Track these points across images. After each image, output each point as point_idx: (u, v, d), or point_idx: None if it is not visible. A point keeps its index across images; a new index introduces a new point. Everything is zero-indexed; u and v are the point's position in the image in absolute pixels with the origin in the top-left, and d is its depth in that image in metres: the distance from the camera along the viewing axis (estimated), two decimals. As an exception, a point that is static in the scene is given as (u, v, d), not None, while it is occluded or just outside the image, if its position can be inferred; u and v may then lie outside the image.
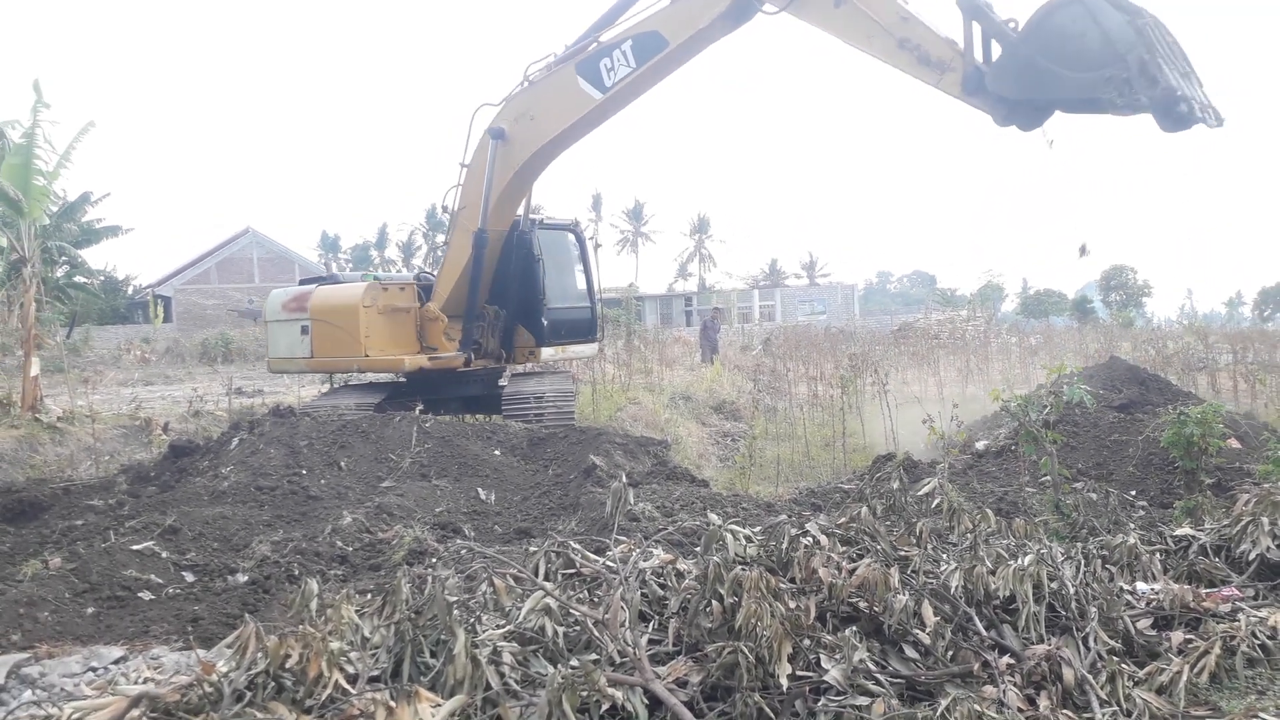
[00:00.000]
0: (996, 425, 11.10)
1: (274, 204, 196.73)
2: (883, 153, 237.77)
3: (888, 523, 4.60)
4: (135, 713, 3.07)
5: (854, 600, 3.75)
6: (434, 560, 5.72)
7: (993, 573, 3.93)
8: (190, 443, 10.52)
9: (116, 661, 4.49)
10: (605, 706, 3.17)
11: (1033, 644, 3.63)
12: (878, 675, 3.36)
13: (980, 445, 10.41)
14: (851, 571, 3.81)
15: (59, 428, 11.85)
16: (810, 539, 4.03)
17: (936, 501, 4.86)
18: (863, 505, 4.45)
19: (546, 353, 12.79)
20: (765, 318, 61.87)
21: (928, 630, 3.59)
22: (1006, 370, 19.08)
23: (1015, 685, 3.32)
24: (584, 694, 3.13)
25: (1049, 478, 6.62)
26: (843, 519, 4.42)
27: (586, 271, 13.72)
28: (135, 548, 6.04)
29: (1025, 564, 3.93)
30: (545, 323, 12.67)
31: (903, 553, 4.17)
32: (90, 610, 5.38)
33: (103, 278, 42.33)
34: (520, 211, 12.24)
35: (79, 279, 34.20)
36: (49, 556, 6.03)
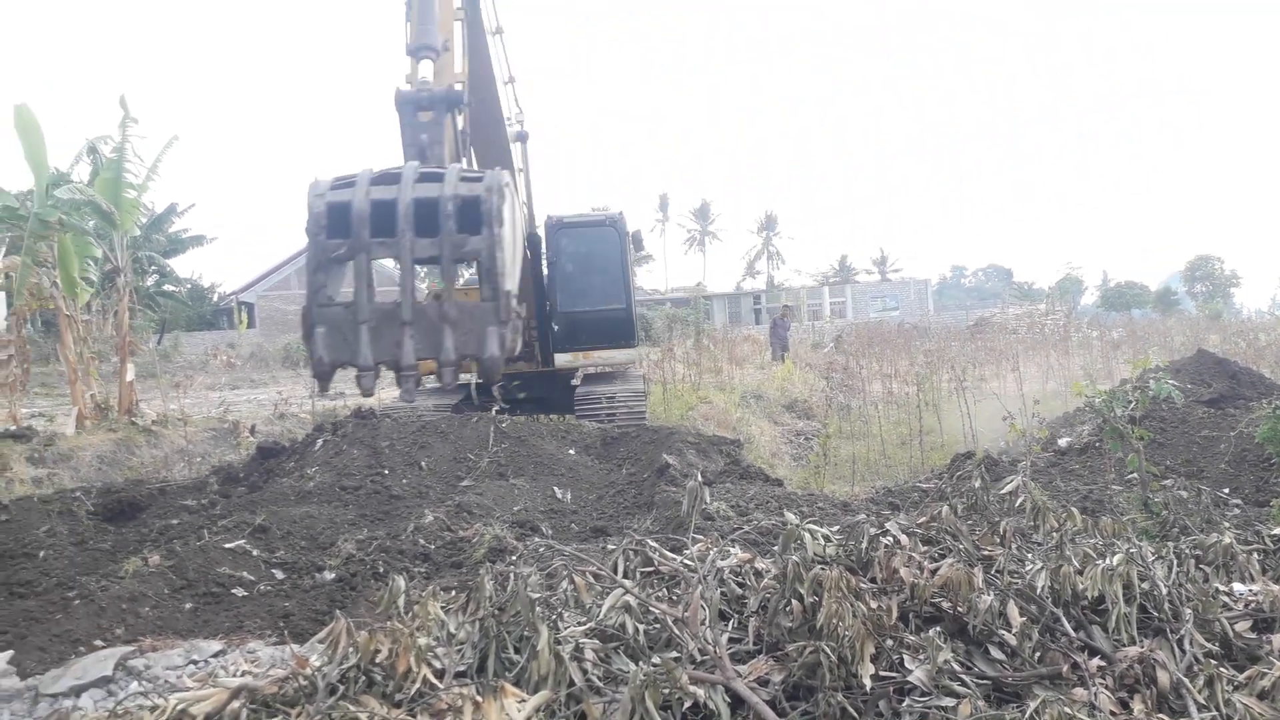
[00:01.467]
0: (1079, 421, 10.82)
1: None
2: (955, 144, 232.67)
3: (970, 522, 4.52)
4: (235, 704, 3.19)
5: (937, 600, 3.70)
6: (514, 558, 5.80)
7: (1080, 573, 3.83)
8: (276, 444, 10.85)
9: (215, 655, 4.67)
10: (687, 704, 3.19)
11: (1124, 646, 3.53)
12: (963, 676, 3.31)
13: (1063, 442, 10.16)
14: (934, 571, 3.76)
15: (153, 431, 12.34)
16: (891, 538, 3.99)
17: (1020, 500, 4.76)
18: (944, 504, 4.39)
19: (561, 359, 12.46)
20: (836, 315, 61.15)
21: (1014, 631, 3.52)
22: (1088, 365, 18.55)
23: (1107, 688, 3.23)
24: (666, 691, 3.15)
25: (1136, 475, 6.43)
26: (923, 518, 4.37)
27: (624, 270, 12.95)
28: (228, 546, 6.25)
29: (1114, 564, 3.82)
30: (555, 327, 12.52)
31: (986, 552, 4.10)
32: (188, 606, 5.59)
33: (189, 286, 43.80)
34: (528, 212, 11.98)
35: (168, 287, 35.41)
36: (148, 554, 6.27)
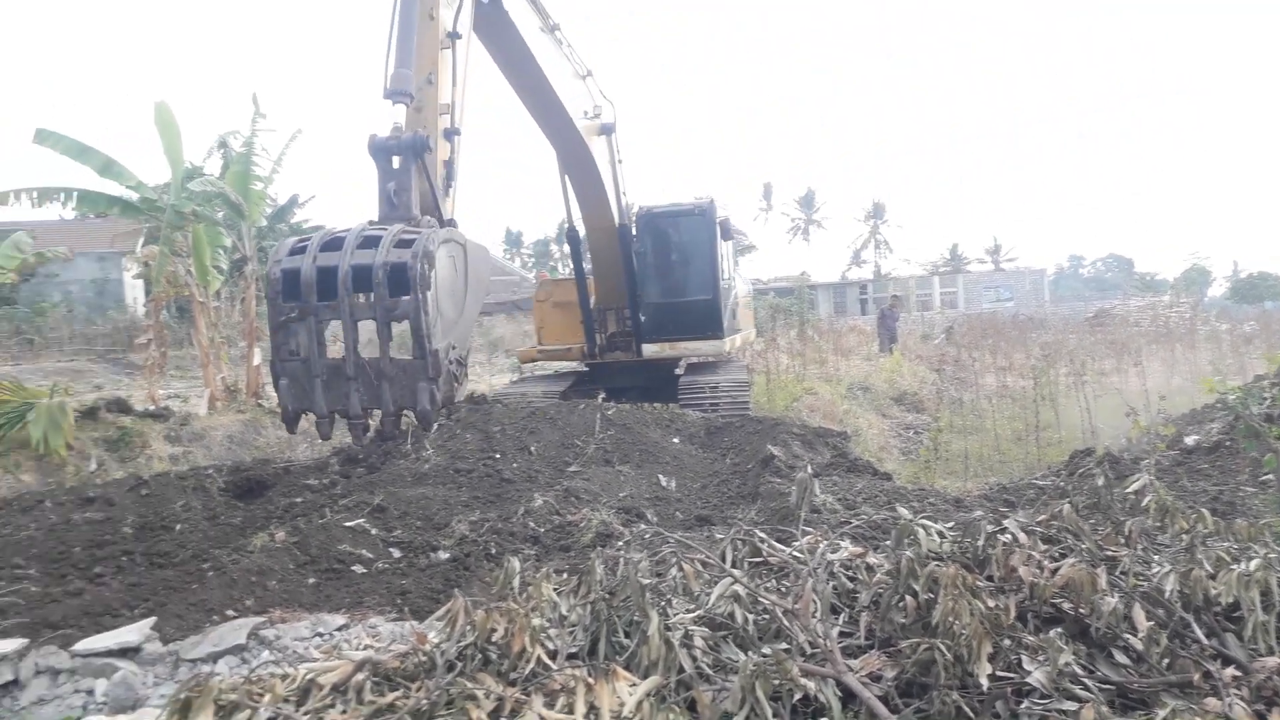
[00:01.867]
0: (1208, 419, 10.26)
1: (462, 202, 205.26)
2: (1071, 128, 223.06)
3: (1092, 521, 4.37)
4: (360, 676, 3.33)
5: (1057, 601, 3.59)
6: (621, 543, 5.88)
7: (1213, 577, 3.66)
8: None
9: (339, 628, 4.87)
10: (797, 697, 3.18)
11: (1261, 656, 3.36)
12: (1085, 680, 3.21)
13: (1190, 440, 9.65)
14: (1054, 571, 3.65)
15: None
16: (1009, 536, 3.89)
17: (1146, 500, 4.57)
18: (1065, 502, 4.25)
19: (648, 350, 12.44)
20: (946, 305, 59.54)
21: (1140, 635, 3.39)
22: (1217, 360, 17.60)
23: (1242, 699, 3.08)
24: (776, 682, 3.15)
25: (1273, 476, 6.10)
26: (1043, 516, 4.23)
27: (712, 260, 12.64)
28: (348, 524, 6.50)
29: (1251, 569, 3.63)
30: (642, 318, 12.50)
31: (1110, 553, 3.96)
32: (311, 580, 5.84)
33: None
34: (616, 209, 11.87)
35: (290, 276, 36.87)
36: (274, 531, 6.58)
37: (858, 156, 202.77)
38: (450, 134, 6.69)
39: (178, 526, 7.34)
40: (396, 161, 6.05)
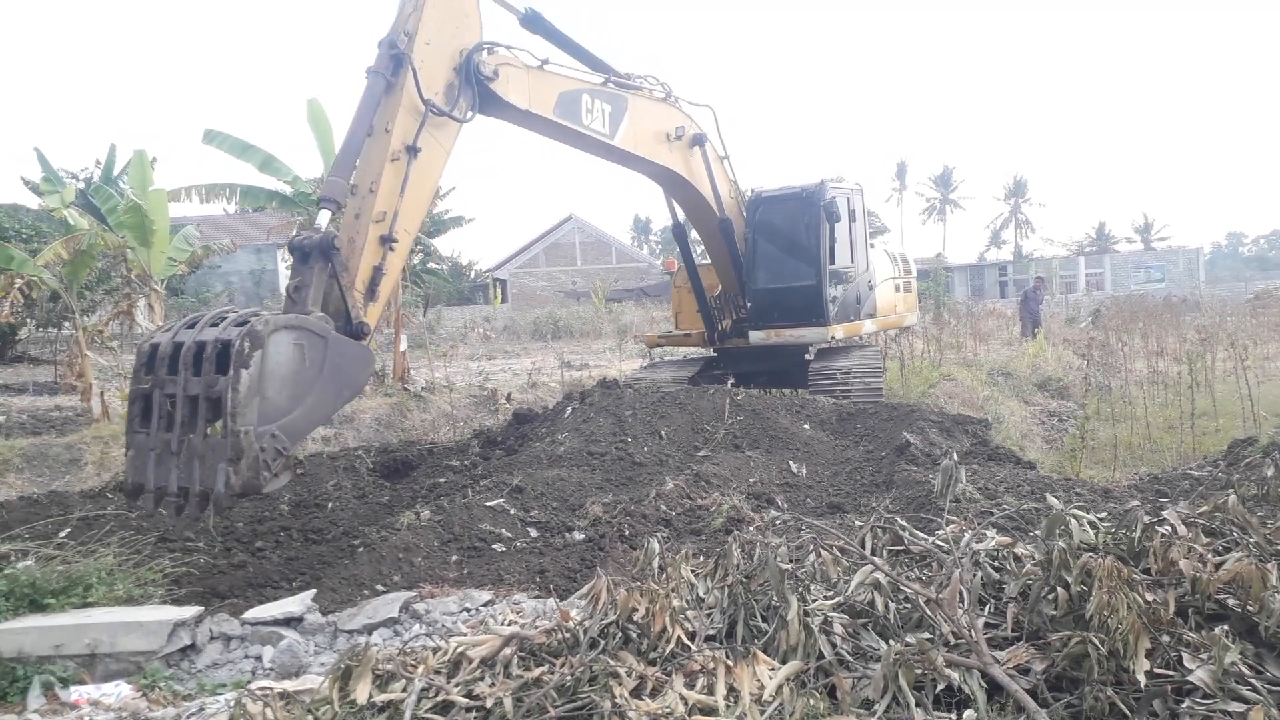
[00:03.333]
0: (1393, 408, 9.48)
1: (592, 192, 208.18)
2: (1227, 94, 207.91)
3: (1260, 514, 4.12)
4: (508, 650, 3.46)
5: (1221, 597, 3.40)
6: (752, 528, 5.87)
7: (1400, 577, 3.40)
8: (530, 411, 11.51)
9: (485, 604, 5.06)
10: (940, 687, 3.13)
11: None
12: (1252, 680, 3.04)
13: (1372, 431, 8.94)
14: (1218, 566, 3.46)
15: (423, 396, 13.42)
16: (1168, 527, 3.70)
17: (1322, 493, 4.28)
18: (1229, 493, 4.02)
19: (754, 336, 12.23)
20: (1093, 287, 56.64)
21: (1316, 637, 3.19)
22: (1403, 344, 16.17)
23: None
24: (919, 671, 3.11)
25: None
26: (1205, 507, 4.01)
27: (818, 244, 12.16)
28: (488, 504, 6.71)
29: None
30: (748, 304, 12.30)
31: (1281, 548, 3.72)
32: (454, 558, 6.07)
33: (450, 264, 46.91)
34: (715, 207, 11.57)
35: (431, 265, 38.07)
36: (419, 509, 6.86)
37: (997, 132, 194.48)
38: (387, 240, 6.80)
39: (330, 504, 7.75)
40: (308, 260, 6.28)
